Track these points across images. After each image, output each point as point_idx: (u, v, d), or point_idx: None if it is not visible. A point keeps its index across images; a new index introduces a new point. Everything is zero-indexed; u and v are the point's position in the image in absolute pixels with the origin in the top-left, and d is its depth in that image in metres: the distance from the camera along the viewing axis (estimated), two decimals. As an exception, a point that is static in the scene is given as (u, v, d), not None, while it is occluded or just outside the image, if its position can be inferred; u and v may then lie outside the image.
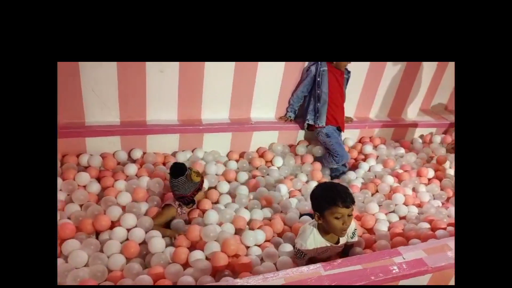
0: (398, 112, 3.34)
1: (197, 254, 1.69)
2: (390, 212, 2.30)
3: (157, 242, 1.71)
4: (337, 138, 2.70)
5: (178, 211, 1.91)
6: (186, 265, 1.67)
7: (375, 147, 3.03)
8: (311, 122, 2.72)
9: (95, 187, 2.04)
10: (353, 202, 1.54)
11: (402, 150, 3.05)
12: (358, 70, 2.87)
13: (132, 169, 2.23)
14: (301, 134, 2.92)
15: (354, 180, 2.60)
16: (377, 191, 2.48)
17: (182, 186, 1.83)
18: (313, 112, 2.70)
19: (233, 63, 2.43)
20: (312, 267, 1.44)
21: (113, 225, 1.82)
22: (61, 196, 1.94)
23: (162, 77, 2.32)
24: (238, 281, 1.36)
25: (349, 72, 2.78)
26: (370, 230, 2.12)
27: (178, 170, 1.82)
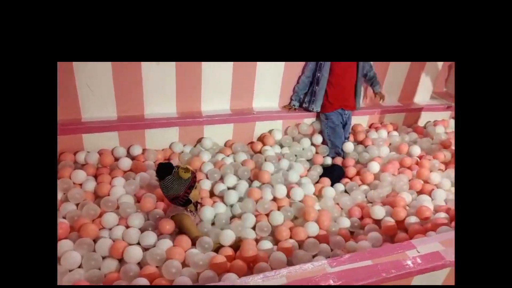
0: (410, 96, 3.16)
1: (195, 251, 1.60)
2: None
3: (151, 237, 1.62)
4: (334, 124, 2.60)
5: (191, 218, 1.77)
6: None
7: (387, 133, 2.88)
8: (305, 105, 2.64)
9: (91, 185, 1.96)
10: None
11: (415, 136, 2.89)
12: (365, 53, 2.71)
13: (128, 165, 2.15)
14: (306, 122, 2.79)
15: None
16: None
17: (171, 186, 1.70)
18: (310, 95, 2.60)
19: (232, 51, 2.32)
20: (316, 263, 1.32)
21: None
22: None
23: (158, 69, 2.23)
24: (237, 281, 1.26)
25: None
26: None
27: (164, 170, 1.69)
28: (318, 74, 2.52)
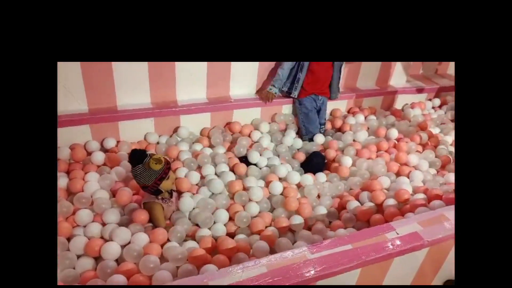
0: (386, 79, 3.17)
1: (173, 244, 1.57)
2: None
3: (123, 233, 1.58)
4: (307, 110, 2.59)
5: (162, 206, 1.73)
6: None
7: (365, 117, 2.89)
8: (287, 91, 2.60)
9: (64, 181, 1.89)
10: None
11: (393, 119, 2.91)
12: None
13: (101, 158, 2.08)
14: (286, 108, 2.76)
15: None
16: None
17: (141, 175, 1.65)
18: (292, 81, 2.57)
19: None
20: (296, 251, 1.31)
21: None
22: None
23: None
24: (217, 272, 1.23)
25: None
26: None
27: (135, 157, 1.64)
28: (303, 62, 2.50)
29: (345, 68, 2.85)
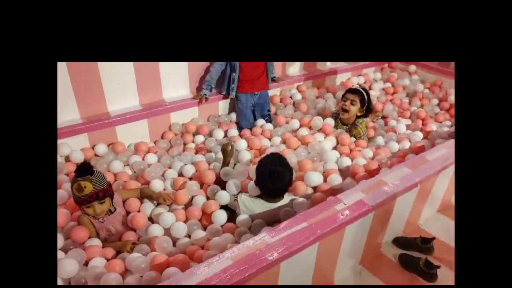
0: (313, 63, 3.34)
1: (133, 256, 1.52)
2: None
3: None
4: (242, 105, 2.65)
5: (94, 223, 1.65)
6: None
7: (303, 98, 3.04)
8: (223, 93, 2.67)
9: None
10: None
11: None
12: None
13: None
14: (223, 104, 2.79)
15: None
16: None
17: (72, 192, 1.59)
18: (228, 82, 2.61)
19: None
20: (257, 238, 1.35)
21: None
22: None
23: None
24: (182, 274, 1.23)
25: None
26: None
27: (78, 170, 1.57)
28: (234, 62, 2.52)
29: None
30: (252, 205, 1.77)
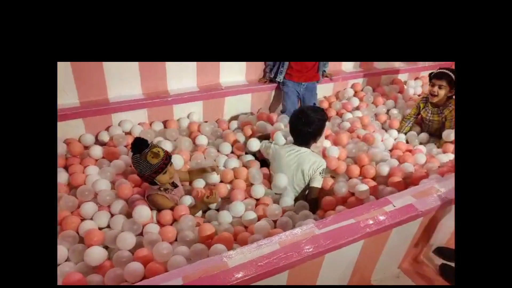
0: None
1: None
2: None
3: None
4: (290, 90, 2.68)
5: (166, 195, 1.75)
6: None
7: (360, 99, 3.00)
8: (271, 76, 2.71)
9: (63, 176, 1.89)
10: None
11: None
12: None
13: (99, 152, 2.09)
14: (275, 94, 2.83)
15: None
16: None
17: (137, 164, 1.64)
18: (278, 66, 2.66)
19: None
20: (305, 227, 1.40)
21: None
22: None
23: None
24: (231, 253, 1.30)
25: None
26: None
27: (136, 146, 1.63)
28: None
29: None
30: (277, 148, 2.03)
